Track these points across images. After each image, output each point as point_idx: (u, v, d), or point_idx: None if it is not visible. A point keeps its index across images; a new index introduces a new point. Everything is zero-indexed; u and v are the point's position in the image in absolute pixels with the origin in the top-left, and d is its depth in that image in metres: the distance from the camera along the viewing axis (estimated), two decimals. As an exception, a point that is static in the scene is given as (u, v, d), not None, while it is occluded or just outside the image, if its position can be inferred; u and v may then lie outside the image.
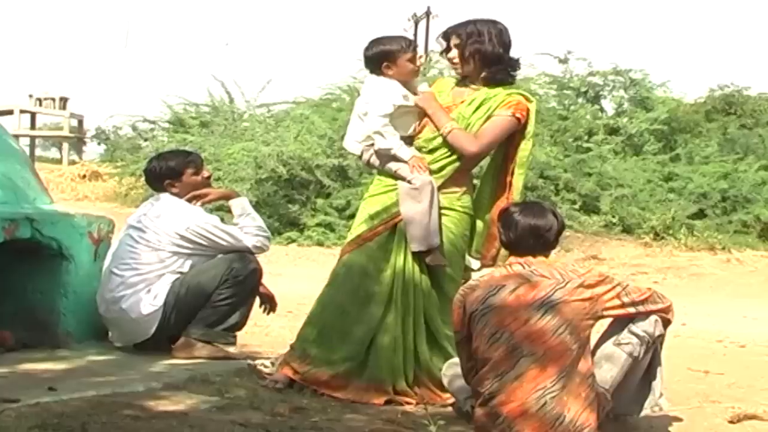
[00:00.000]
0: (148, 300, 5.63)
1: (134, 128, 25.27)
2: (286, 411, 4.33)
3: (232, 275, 5.62)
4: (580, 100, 21.50)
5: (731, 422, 4.95)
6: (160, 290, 5.64)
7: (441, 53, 5.29)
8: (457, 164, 4.99)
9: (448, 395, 4.82)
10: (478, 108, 4.99)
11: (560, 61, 21.50)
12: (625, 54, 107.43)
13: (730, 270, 15.06)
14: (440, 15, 39.98)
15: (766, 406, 5.25)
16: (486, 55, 5.01)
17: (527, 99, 5.08)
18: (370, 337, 4.92)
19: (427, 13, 39.66)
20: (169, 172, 5.98)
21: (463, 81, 5.14)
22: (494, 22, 5.10)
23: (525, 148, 5.05)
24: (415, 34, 39.53)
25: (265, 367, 5.47)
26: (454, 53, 5.04)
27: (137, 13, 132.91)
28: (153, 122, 24.53)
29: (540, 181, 17.42)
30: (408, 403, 4.82)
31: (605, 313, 4.34)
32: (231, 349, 5.81)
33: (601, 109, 21.53)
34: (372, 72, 5.11)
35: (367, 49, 5.10)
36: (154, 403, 4.28)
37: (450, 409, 4.78)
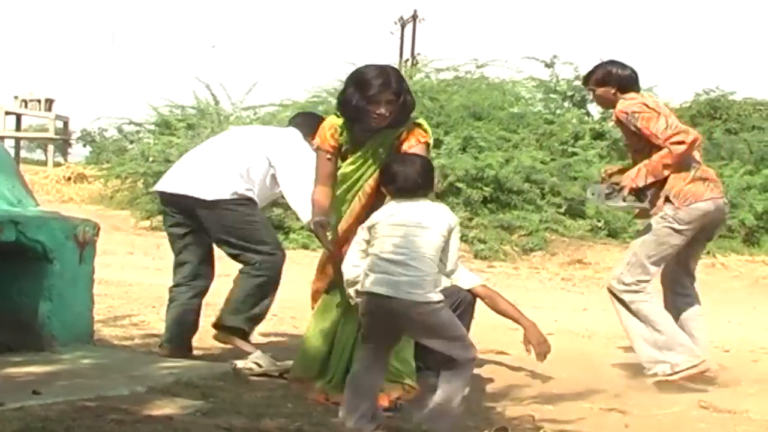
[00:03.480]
0: (242, 183, 5.96)
1: (120, 130, 25.22)
2: (270, 416, 4.32)
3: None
4: (566, 104, 21.52)
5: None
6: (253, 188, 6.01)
7: None
8: None
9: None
10: None
11: (546, 65, 21.55)
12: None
13: (715, 275, 15.10)
14: (427, 18, 40.10)
15: (752, 411, 5.27)
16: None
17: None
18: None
19: (414, 17, 39.74)
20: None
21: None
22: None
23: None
24: (402, 38, 39.63)
25: (250, 370, 5.48)
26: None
27: (123, 14, 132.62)
28: (139, 124, 24.48)
29: (526, 185, 17.44)
30: None
31: None
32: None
33: (587, 114, 21.55)
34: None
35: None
36: (138, 407, 4.26)
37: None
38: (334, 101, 21.26)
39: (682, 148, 5.86)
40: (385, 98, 4.99)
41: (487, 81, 21.79)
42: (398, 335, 4.60)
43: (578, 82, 21.45)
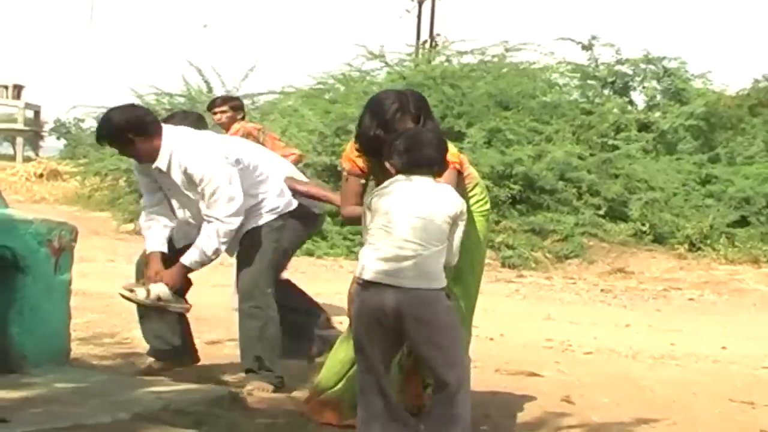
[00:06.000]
0: None
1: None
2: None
3: None
4: (606, 91, 21.50)
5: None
6: None
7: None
8: None
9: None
10: None
11: (584, 47, 21.50)
12: (658, 40, 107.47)
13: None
14: (445, -4, 40.00)
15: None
16: None
17: None
18: None
19: (432, -6, 39.71)
20: None
21: None
22: None
23: None
24: (419, 16, 39.62)
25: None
26: None
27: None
28: (120, 114, 24.53)
29: (560, 184, 17.42)
30: None
31: None
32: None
33: (631, 102, 21.54)
34: None
35: None
36: (122, 437, 4.27)
37: None
38: (342, 88, 21.37)
39: None
40: (402, 126, 5.05)
41: (516, 66, 21.76)
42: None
43: (620, 67, 21.43)
